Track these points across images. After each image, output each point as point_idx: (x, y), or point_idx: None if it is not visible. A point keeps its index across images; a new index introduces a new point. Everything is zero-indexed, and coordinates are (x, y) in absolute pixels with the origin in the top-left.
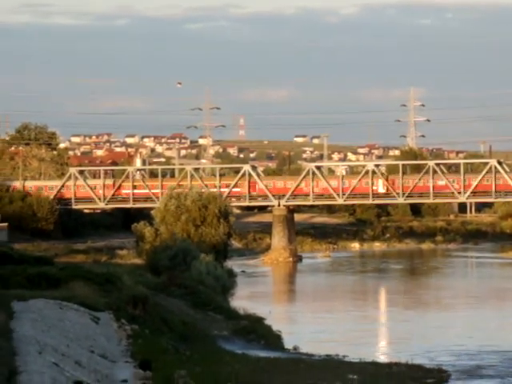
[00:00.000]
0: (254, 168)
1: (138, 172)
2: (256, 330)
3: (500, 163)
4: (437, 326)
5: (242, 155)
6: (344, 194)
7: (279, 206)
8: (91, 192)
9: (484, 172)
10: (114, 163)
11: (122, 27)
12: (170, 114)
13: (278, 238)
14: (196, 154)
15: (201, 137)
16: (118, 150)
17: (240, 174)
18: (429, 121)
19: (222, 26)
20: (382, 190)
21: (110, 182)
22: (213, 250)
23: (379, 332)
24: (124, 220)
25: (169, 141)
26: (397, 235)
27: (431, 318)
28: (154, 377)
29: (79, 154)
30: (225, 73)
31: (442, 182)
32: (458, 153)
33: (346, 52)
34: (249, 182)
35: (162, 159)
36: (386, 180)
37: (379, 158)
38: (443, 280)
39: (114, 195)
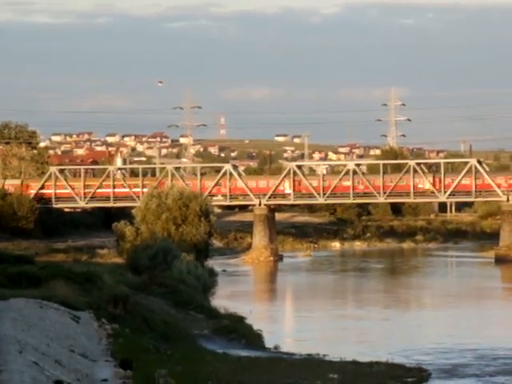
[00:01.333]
0: (235, 167)
1: (119, 171)
2: (237, 329)
3: (480, 163)
4: (417, 325)
5: (223, 154)
6: (325, 194)
7: (260, 205)
8: (71, 191)
9: (464, 171)
10: (95, 162)
11: (102, 26)
12: (150, 113)
13: (259, 238)
14: (177, 153)
15: (182, 136)
16: (98, 148)
17: (221, 174)
18: (409, 120)
19: (203, 25)
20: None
21: (91, 181)
22: (194, 249)
23: (359, 331)
24: (105, 219)
25: (150, 140)
26: (377, 234)
27: (411, 317)
28: (134, 376)
29: (60, 152)
30: (206, 72)
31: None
32: (438, 152)
33: (327, 52)
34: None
35: (143, 158)
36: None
37: (360, 157)
38: (423, 279)
39: (94, 194)
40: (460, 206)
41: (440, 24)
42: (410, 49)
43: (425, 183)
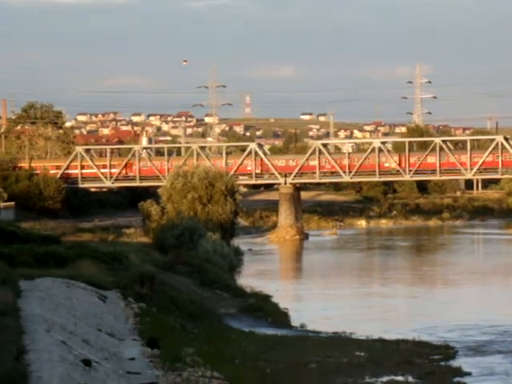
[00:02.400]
0: (260, 146)
1: (145, 150)
2: (263, 307)
3: (506, 139)
4: (444, 303)
5: (248, 133)
6: (350, 172)
7: (286, 183)
8: (97, 171)
9: (490, 148)
10: (120, 142)
11: (126, 5)
12: (176, 93)
13: (285, 216)
14: (202, 132)
15: (207, 115)
16: (124, 128)
17: (246, 152)
18: (435, 98)
19: (228, 3)
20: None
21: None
22: (219, 228)
23: (386, 309)
24: (131, 198)
25: (175, 119)
26: (403, 212)
27: (438, 295)
28: (161, 355)
29: (85, 132)
30: (231, 50)
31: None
32: (464, 129)
33: (352, 29)
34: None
35: (168, 138)
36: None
37: (385, 135)
38: (449, 257)
39: (120, 174)
40: (486, 184)
41: (467, 0)
42: (435, 26)
43: (390, 162)
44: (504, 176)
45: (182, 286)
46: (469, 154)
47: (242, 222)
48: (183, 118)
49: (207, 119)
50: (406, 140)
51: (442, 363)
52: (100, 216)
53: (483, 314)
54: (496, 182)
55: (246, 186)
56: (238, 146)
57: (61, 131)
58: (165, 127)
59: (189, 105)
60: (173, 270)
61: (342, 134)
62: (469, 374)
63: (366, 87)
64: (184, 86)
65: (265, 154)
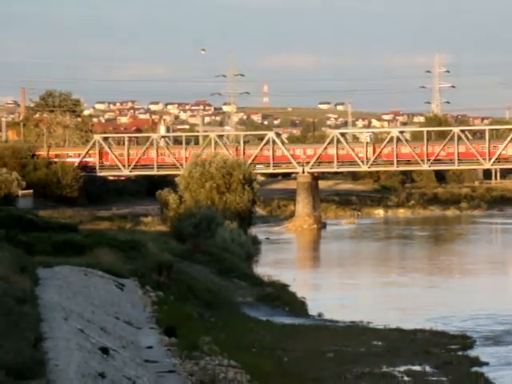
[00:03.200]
0: (278, 135)
1: (163, 139)
2: (280, 296)
3: None
4: (461, 292)
5: (266, 122)
6: (368, 161)
7: (303, 172)
8: (116, 159)
9: (509, 138)
10: (138, 130)
11: None
12: (193, 81)
13: (303, 205)
14: (220, 120)
15: (225, 104)
16: (142, 117)
17: (264, 141)
18: (454, 87)
19: None
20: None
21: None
22: (237, 217)
23: (403, 298)
24: (148, 187)
25: (193, 108)
26: (421, 202)
27: (455, 284)
28: (179, 343)
29: (103, 121)
30: (249, 39)
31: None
32: (482, 119)
33: (371, 19)
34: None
35: (186, 126)
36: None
37: (404, 124)
38: (467, 246)
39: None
40: (505, 173)
41: None
42: (453, 15)
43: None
44: None
45: (200, 275)
46: (487, 143)
47: (259, 211)
48: (201, 107)
49: (225, 108)
50: (425, 129)
51: (460, 353)
52: (118, 204)
53: (501, 303)
54: None
55: (263, 174)
56: (256, 135)
57: (79, 119)
58: (183, 116)
59: (207, 93)
60: (190, 258)
61: (359, 123)
62: (486, 363)
63: (384, 76)
64: (202, 74)
65: (283, 142)
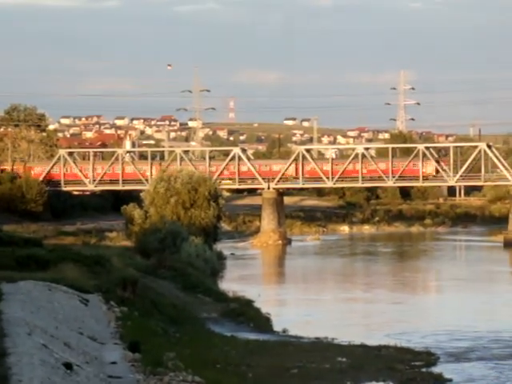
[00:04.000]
0: (243, 151)
1: (128, 154)
2: (245, 312)
3: (489, 147)
4: (425, 309)
5: (231, 138)
6: (333, 178)
7: (269, 188)
8: (80, 174)
9: (473, 155)
10: (104, 145)
11: (112, 9)
12: (159, 97)
13: (268, 221)
14: (186, 136)
15: (191, 119)
16: (107, 131)
17: (230, 157)
18: (418, 104)
19: (212, 8)
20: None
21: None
22: (202, 233)
23: (368, 314)
24: (113, 202)
25: (158, 123)
26: (386, 218)
27: (420, 301)
28: (143, 359)
29: (68, 135)
30: (215, 55)
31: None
32: (447, 136)
33: (336, 35)
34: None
35: (152, 141)
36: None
37: (369, 141)
38: (432, 263)
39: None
40: (469, 191)
41: (447, 8)
42: (418, 32)
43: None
44: (486, 183)
45: (165, 290)
46: (451, 160)
47: (225, 226)
48: (167, 122)
49: (191, 123)
50: (390, 146)
51: (424, 369)
52: (82, 219)
53: (465, 320)
54: (478, 189)
55: (229, 190)
56: (222, 151)
57: (44, 134)
58: (148, 131)
59: (172, 109)
60: (155, 274)
61: (325, 139)
62: (450, 380)
63: (349, 93)
64: (168, 90)
65: (248, 158)
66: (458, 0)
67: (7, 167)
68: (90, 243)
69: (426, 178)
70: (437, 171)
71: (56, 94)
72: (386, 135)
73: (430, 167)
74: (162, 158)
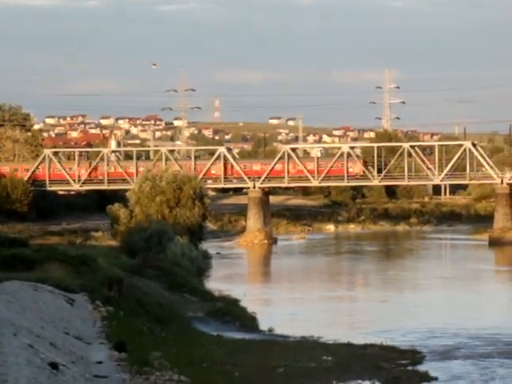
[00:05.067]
0: (229, 150)
1: (113, 154)
2: (231, 311)
3: (474, 145)
4: (411, 307)
5: (217, 137)
6: (319, 176)
7: (254, 187)
8: (65, 174)
9: (458, 154)
10: (89, 145)
11: (94, 8)
12: (144, 96)
13: (254, 220)
14: (171, 135)
15: (176, 118)
16: (92, 131)
17: (215, 156)
18: (404, 103)
19: (195, 8)
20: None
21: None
22: (187, 232)
23: (354, 313)
24: (99, 202)
25: (144, 122)
26: (371, 217)
27: (405, 299)
28: (129, 358)
29: (54, 135)
30: (200, 55)
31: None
32: (432, 135)
33: (320, 34)
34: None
35: (137, 141)
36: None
37: (354, 140)
38: (417, 261)
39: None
40: (454, 189)
41: (430, 6)
42: (402, 31)
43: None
44: (471, 182)
45: (150, 290)
46: (436, 159)
47: (210, 225)
48: (152, 122)
49: (176, 123)
50: (375, 145)
51: (409, 368)
52: (68, 219)
53: (450, 318)
54: (464, 187)
55: (214, 189)
56: (207, 150)
57: (29, 134)
58: (134, 130)
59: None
60: (141, 273)
61: (310, 138)
62: (435, 378)
63: (334, 92)
64: (153, 89)
65: (234, 158)
66: None
67: None
68: (76, 243)
69: (352, 178)
70: (363, 171)
71: (41, 93)
72: (372, 134)
73: (357, 167)
74: (148, 157)
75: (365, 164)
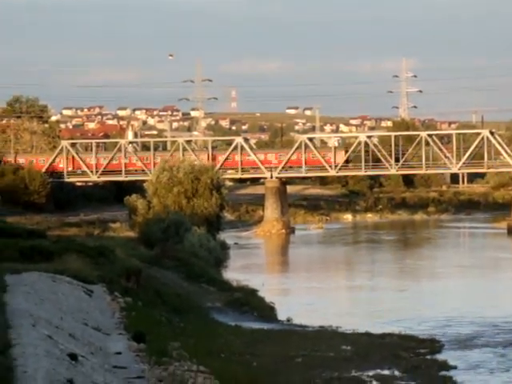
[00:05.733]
0: (246, 140)
1: (130, 145)
2: (249, 301)
3: (492, 133)
4: (429, 296)
5: (234, 127)
6: (336, 166)
7: (271, 177)
8: (83, 165)
9: (476, 142)
10: (106, 136)
11: None
12: (161, 87)
13: (271, 210)
14: (188, 126)
15: (193, 109)
16: (109, 122)
17: (232, 147)
18: (421, 92)
19: None
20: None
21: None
22: (205, 222)
23: (372, 302)
24: (116, 193)
25: (161, 113)
26: (389, 206)
27: (424, 288)
28: (147, 349)
29: (71, 126)
30: (216, 45)
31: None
32: (450, 123)
33: (338, 24)
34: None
35: (154, 132)
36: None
37: (371, 129)
38: (435, 250)
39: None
40: (472, 177)
41: None
42: (420, 20)
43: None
44: (489, 170)
45: (168, 280)
46: (454, 147)
47: (227, 216)
48: (169, 112)
49: (193, 113)
50: (392, 134)
51: (428, 357)
52: (86, 210)
53: (469, 307)
54: (482, 176)
55: (232, 179)
56: (224, 140)
57: (46, 125)
58: (151, 121)
59: (175, 99)
60: (159, 264)
61: (328, 128)
62: (454, 367)
63: (352, 81)
64: (170, 80)
65: (251, 148)
66: None
67: (10, 159)
68: (94, 234)
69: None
70: (347, 161)
71: (58, 85)
72: (389, 123)
73: (340, 157)
74: (165, 148)
75: (346, 154)
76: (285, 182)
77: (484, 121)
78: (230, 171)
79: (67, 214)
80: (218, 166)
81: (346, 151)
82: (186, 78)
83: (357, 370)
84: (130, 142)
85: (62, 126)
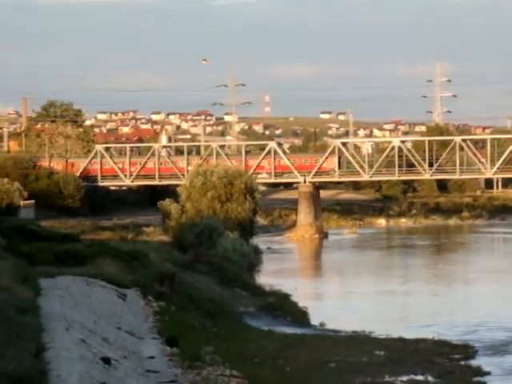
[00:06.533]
0: (279, 145)
1: (164, 149)
2: (282, 306)
3: None
4: (463, 301)
5: (267, 132)
6: (370, 171)
7: (305, 182)
8: (117, 169)
9: (511, 147)
10: (140, 140)
11: (146, 3)
12: (195, 91)
13: (304, 215)
14: (222, 130)
15: (226, 114)
16: (143, 127)
17: (266, 151)
18: (455, 96)
19: (248, 2)
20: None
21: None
22: (239, 227)
23: (406, 307)
24: (150, 197)
25: (194, 118)
26: (423, 211)
27: (458, 293)
28: (180, 353)
29: (105, 131)
30: (250, 49)
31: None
32: (484, 128)
33: (372, 28)
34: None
35: (188, 136)
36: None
37: (405, 134)
38: (469, 255)
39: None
40: (507, 182)
41: None
42: (455, 24)
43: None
44: None
45: (202, 285)
46: (489, 152)
47: (261, 220)
48: (203, 117)
49: (226, 118)
50: (426, 139)
51: (462, 362)
52: (119, 214)
53: (503, 312)
54: None
55: (265, 184)
56: (258, 145)
57: (80, 130)
58: (184, 125)
59: (208, 103)
60: (192, 268)
61: (361, 132)
62: (488, 373)
63: (385, 86)
64: (203, 84)
65: (284, 152)
66: None
67: (45, 163)
68: (127, 238)
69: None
70: (339, 166)
71: (92, 89)
72: (423, 128)
73: (331, 162)
74: (198, 152)
75: (339, 159)
76: (318, 187)
77: None
78: (263, 175)
79: (101, 218)
80: (251, 170)
81: (339, 157)
82: (220, 83)
83: (390, 376)
84: (164, 147)
85: (97, 130)
